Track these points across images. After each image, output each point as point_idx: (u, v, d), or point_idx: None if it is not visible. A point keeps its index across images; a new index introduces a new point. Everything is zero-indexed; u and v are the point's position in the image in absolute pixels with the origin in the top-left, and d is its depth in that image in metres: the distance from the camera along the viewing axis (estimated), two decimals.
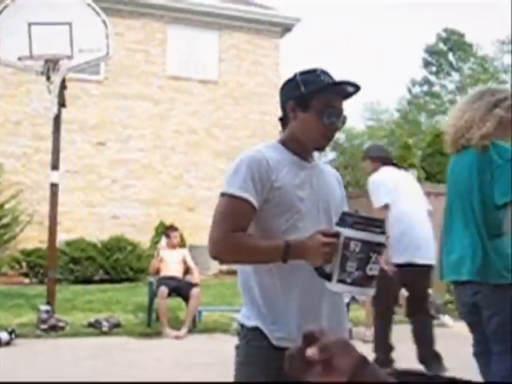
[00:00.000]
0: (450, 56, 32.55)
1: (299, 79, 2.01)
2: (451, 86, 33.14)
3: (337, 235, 1.70)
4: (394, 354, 5.26)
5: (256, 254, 1.88)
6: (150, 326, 7.07)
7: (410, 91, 33.82)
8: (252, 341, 1.95)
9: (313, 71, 2.02)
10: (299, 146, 2.04)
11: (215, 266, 12.28)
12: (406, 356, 5.10)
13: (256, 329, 1.94)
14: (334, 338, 0.72)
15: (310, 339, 0.73)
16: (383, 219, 1.78)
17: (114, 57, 8.49)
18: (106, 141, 13.58)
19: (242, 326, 2.01)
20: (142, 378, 4.99)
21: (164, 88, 14.14)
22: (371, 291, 1.75)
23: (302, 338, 0.75)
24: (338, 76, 2.04)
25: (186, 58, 14.51)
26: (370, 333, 7.01)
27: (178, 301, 7.40)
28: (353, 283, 1.67)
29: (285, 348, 1.93)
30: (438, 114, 32.51)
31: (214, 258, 1.94)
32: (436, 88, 33.41)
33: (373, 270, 1.69)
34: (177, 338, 6.69)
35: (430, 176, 12.37)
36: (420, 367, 4.72)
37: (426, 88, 33.50)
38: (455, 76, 33.08)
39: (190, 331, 6.96)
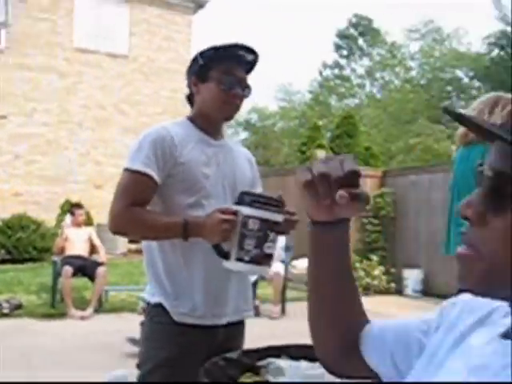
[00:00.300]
0: (361, 41, 33.39)
1: (198, 54, 2.02)
2: (361, 70, 34.07)
3: (236, 213, 1.71)
4: None
5: (155, 230, 1.88)
6: (54, 307, 6.86)
7: (321, 74, 34.46)
8: (155, 317, 1.96)
9: (213, 47, 2.01)
10: (206, 122, 2.04)
11: (124, 245, 12.07)
12: None
13: (159, 305, 1.95)
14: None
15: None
16: (281, 198, 1.78)
17: (17, 25, 8.02)
18: (8, 114, 12.88)
19: (146, 302, 2.02)
20: (46, 360, 4.83)
21: (71, 60, 13.57)
22: (268, 270, 1.78)
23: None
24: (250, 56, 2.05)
25: (95, 30, 13.98)
26: (277, 309, 7.17)
27: (83, 280, 7.22)
28: (251, 261, 1.68)
29: (187, 324, 1.95)
30: (348, 97, 33.38)
31: (114, 232, 1.93)
32: (346, 71, 34.21)
33: (270, 248, 1.70)
34: (82, 318, 6.54)
35: None
36: None
37: (336, 71, 34.23)
38: (365, 60, 34.01)
39: (96, 311, 6.82)
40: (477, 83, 29.30)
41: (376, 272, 9.48)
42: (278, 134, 26.68)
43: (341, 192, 0.78)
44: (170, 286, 1.95)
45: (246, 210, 1.70)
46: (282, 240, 7.53)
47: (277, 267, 7.25)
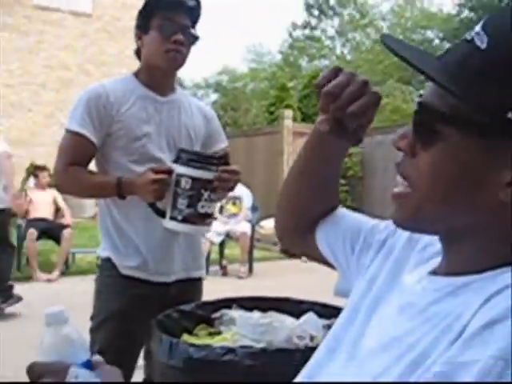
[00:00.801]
0: (332, 1, 33.06)
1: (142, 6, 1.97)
2: (331, 31, 33.84)
3: (170, 172, 1.70)
4: None
5: (91, 189, 1.92)
6: (20, 270, 6.79)
7: (290, 35, 34.13)
8: (106, 271, 2.00)
9: None
10: (151, 75, 1.98)
11: (91, 209, 11.95)
12: None
13: (108, 259, 1.99)
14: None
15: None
16: (222, 156, 1.78)
17: None
18: None
19: (99, 257, 2.06)
20: (11, 325, 4.80)
21: (31, 18, 13.16)
22: (206, 229, 1.76)
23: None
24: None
25: None
26: (244, 269, 7.23)
27: (50, 244, 7.15)
28: (184, 220, 1.68)
29: (134, 278, 1.95)
30: (319, 58, 33.19)
31: (59, 190, 2.05)
32: (317, 32, 33.94)
33: (205, 207, 1.68)
34: (48, 281, 6.51)
35: (306, 117, 12.67)
36: None
37: (307, 32, 33.93)
38: (335, 21, 33.75)
39: (63, 274, 6.79)
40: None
41: None
42: (248, 95, 26.51)
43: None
44: (118, 241, 1.97)
45: (179, 169, 1.68)
46: (248, 200, 7.55)
47: (244, 227, 7.28)
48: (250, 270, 7.43)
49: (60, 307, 0.73)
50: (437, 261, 0.77)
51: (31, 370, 0.69)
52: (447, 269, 0.72)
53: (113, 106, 1.90)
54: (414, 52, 0.72)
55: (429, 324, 0.66)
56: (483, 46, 0.63)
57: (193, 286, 2.09)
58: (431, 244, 0.82)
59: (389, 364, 0.66)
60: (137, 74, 2.01)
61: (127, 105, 1.92)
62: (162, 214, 1.74)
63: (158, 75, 1.98)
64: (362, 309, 0.82)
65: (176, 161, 1.72)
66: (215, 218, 1.74)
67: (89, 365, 0.70)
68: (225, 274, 7.37)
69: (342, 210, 1.03)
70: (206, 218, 1.70)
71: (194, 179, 1.66)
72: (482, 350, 0.55)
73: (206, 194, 1.67)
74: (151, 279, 1.97)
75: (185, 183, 1.66)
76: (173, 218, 1.68)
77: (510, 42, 0.62)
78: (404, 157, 0.72)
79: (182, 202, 1.66)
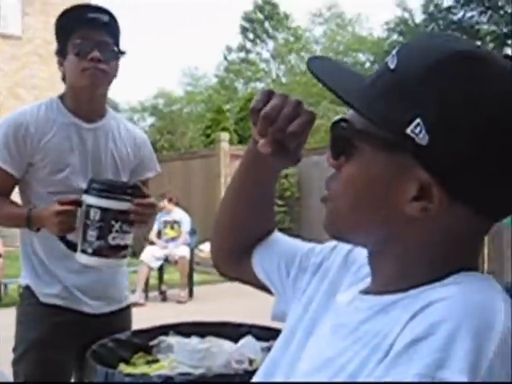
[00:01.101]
0: (266, 24, 33.63)
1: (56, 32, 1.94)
2: (266, 54, 34.38)
3: (78, 203, 1.64)
4: None
5: (6, 219, 1.88)
6: None
7: (225, 58, 34.45)
8: (25, 299, 1.94)
9: (59, 17, 1.93)
10: (76, 101, 1.91)
11: None
12: None
13: (28, 287, 1.93)
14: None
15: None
16: (135, 186, 1.70)
17: None
18: None
19: (20, 286, 2.00)
20: None
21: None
22: (119, 263, 1.69)
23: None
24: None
25: None
26: (184, 294, 7.15)
27: None
28: (94, 253, 1.60)
29: (55, 305, 1.89)
30: (254, 80, 33.60)
31: None
32: (252, 55, 34.41)
33: (117, 239, 1.60)
34: None
35: (242, 139, 12.77)
36: None
37: (242, 55, 34.35)
38: (270, 45, 34.33)
39: None
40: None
41: None
42: (184, 118, 26.47)
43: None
44: (38, 268, 1.92)
45: (88, 199, 1.61)
46: (187, 224, 7.49)
47: (182, 251, 7.22)
48: (190, 294, 7.35)
49: None
50: (369, 280, 0.78)
51: None
52: (377, 287, 0.73)
53: (33, 137, 1.83)
54: (338, 73, 0.75)
55: (360, 343, 0.66)
56: (392, 66, 0.68)
57: (119, 316, 2.03)
58: (366, 264, 0.83)
59: None
60: (62, 98, 1.93)
61: (49, 134, 1.85)
62: (73, 248, 1.66)
63: (82, 99, 1.90)
64: (298, 332, 0.83)
65: (86, 191, 1.63)
66: (126, 251, 1.67)
67: None
68: (164, 299, 7.25)
69: (277, 234, 1.03)
70: (118, 251, 1.62)
71: (102, 209, 1.58)
72: (407, 369, 0.55)
73: (117, 226, 1.58)
74: (72, 307, 1.91)
75: (94, 214, 1.58)
76: (83, 251, 1.61)
77: (413, 62, 0.67)
78: (333, 172, 0.76)
79: (91, 234, 1.58)
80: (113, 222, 1.58)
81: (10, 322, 6.10)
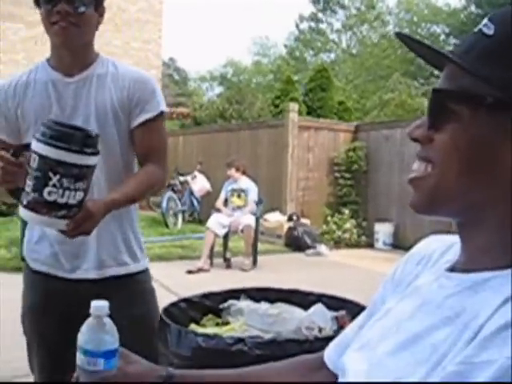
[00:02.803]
0: None
1: None
2: (337, 25, 33.70)
3: (16, 151, 1.49)
4: None
5: None
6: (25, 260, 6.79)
7: (297, 27, 33.99)
8: (25, 267, 1.92)
9: None
10: (56, 57, 1.81)
11: None
12: None
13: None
14: None
15: None
16: (97, 135, 1.46)
17: None
18: None
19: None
20: (12, 314, 4.80)
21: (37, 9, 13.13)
22: (56, 222, 1.41)
23: None
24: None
25: None
26: (248, 262, 7.24)
27: None
28: (27, 206, 1.38)
29: (40, 272, 1.84)
30: (324, 51, 33.08)
31: None
32: (323, 25, 33.81)
33: (54, 195, 1.36)
34: None
35: (311, 110, 12.64)
36: None
37: (313, 24, 33.80)
38: (341, 14, 33.60)
39: None
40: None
41: (347, 225, 9.59)
42: (253, 88, 26.46)
43: None
44: (29, 234, 1.89)
45: (32, 144, 1.38)
46: (254, 193, 7.54)
47: (248, 219, 7.28)
48: (254, 262, 7.43)
49: (104, 302, 0.86)
50: (447, 259, 0.77)
51: None
52: (466, 265, 0.71)
53: (14, 98, 1.80)
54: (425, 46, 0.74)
55: (447, 320, 0.65)
56: (490, 32, 0.68)
57: (116, 283, 1.83)
58: (434, 251, 0.82)
59: (412, 364, 0.65)
60: (48, 58, 1.85)
61: (29, 96, 1.80)
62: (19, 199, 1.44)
63: (61, 54, 1.79)
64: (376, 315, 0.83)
65: (36, 135, 1.40)
66: (74, 211, 1.41)
67: (117, 352, 0.86)
68: (228, 266, 7.37)
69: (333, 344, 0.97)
70: (55, 209, 1.38)
71: (40, 156, 1.34)
72: (498, 351, 0.55)
73: (55, 179, 1.34)
74: (58, 274, 1.83)
75: (33, 161, 1.36)
76: (21, 203, 1.40)
77: None
78: (421, 146, 0.74)
79: (28, 184, 1.37)
80: (50, 174, 1.35)
81: None
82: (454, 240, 0.78)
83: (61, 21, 1.68)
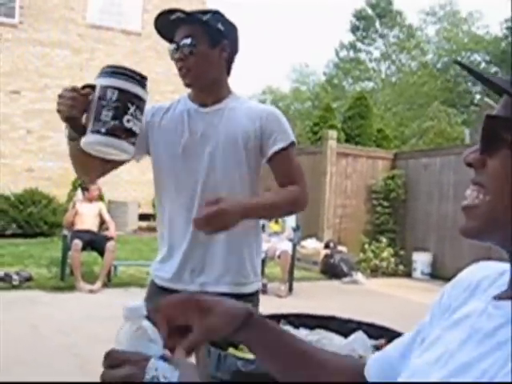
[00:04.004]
0: (377, 22, 32.99)
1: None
2: (376, 53, 33.74)
3: (92, 87, 1.61)
4: None
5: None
6: (64, 280, 6.92)
7: (337, 54, 34.15)
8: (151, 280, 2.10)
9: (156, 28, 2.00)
10: (192, 90, 2.03)
11: (134, 223, 12.14)
12: None
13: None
14: None
15: None
16: (145, 76, 1.67)
17: None
18: (21, 89, 12.92)
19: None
20: (52, 331, 4.89)
21: (84, 36, 13.55)
22: (128, 148, 1.62)
23: None
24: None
25: (108, 6, 13.93)
26: (284, 288, 7.20)
27: (93, 255, 7.27)
28: (107, 133, 1.57)
29: (163, 288, 1.96)
30: (363, 79, 33.09)
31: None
32: (362, 54, 33.90)
33: (131, 123, 1.59)
34: (90, 291, 6.60)
35: (349, 138, 12.62)
36: None
37: (352, 53, 33.92)
38: (380, 43, 33.65)
39: (105, 285, 6.88)
40: (494, 68, 28.93)
41: (385, 254, 9.47)
42: (291, 115, 26.62)
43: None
44: (160, 251, 2.05)
45: (102, 81, 1.59)
46: (291, 219, 7.53)
47: (285, 245, 7.26)
48: (290, 289, 7.38)
49: (139, 303, 0.75)
50: (497, 284, 0.77)
51: (109, 356, 0.70)
52: None
53: (152, 119, 2.00)
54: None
55: (497, 345, 0.65)
56: None
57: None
58: (484, 279, 0.82)
59: None
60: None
61: (167, 118, 2.00)
62: (80, 133, 1.62)
63: (194, 91, 2.02)
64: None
65: (98, 76, 1.61)
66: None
67: (164, 359, 0.72)
68: (264, 291, 7.34)
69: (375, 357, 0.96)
70: (130, 135, 1.60)
71: (120, 91, 1.56)
72: None
73: (132, 109, 1.58)
74: (177, 288, 1.97)
75: (111, 94, 1.56)
76: (96, 131, 1.57)
77: None
78: (475, 171, 0.74)
79: (106, 114, 1.56)
80: (129, 105, 1.57)
81: (119, 301, 6.42)
82: (505, 267, 0.78)
83: (179, 68, 1.92)
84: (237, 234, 1.88)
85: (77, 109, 1.59)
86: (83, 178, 2.03)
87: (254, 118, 1.95)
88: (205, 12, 1.93)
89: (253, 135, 1.94)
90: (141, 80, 1.60)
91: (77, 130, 1.63)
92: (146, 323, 0.75)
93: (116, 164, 1.89)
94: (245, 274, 2.01)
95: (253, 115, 1.96)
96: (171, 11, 1.88)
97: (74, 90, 1.59)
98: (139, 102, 1.59)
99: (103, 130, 1.56)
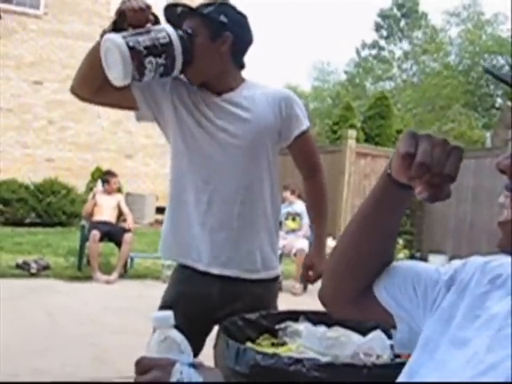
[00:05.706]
0: (402, 22, 32.72)
1: None
2: (399, 53, 33.47)
3: (153, 18, 1.76)
4: None
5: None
6: (81, 270, 6.99)
7: (358, 53, 33.94)
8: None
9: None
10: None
11: (151, 215, 12.21)
12: None
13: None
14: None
15: None
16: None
17: None
18: (44, 80, 13.05)
19: None
20: (68, 320, 4.94)
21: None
22: (127, 74, 1.68)
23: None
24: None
25: None
26: (299, 286, 7.19)
27: (110, 246, 7.33)
28: (129, 47, 1.65)
29: (188, 267, 1.98)
30: (384, 79, 32.87)
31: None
32: (385, 53, 33.65)
33: (149, 66, 1.69)
34: (107, 282, 6.66)
35: (369, 138, 12.57)
36: None
37: (374, 52, 33.69)
38: (404, 43, 33.38)
39: (121, 276, 6.93)
40: None
41: (400, 255, 9.42)
42: (311, 113, 26.57)
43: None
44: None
45: (169, 26, 1.76)
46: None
47: (301, 243, 7.24)
48: (305, 287, 7.37)
49: (168, 312, 0.77)
50: None
51: (139, 363, 0.74)
52: None
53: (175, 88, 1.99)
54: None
55: None
56: None
57: (239, 285, 1.97)
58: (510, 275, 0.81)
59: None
60: None
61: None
62: (118, 30, 1.73)
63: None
64: (442, 345, 0.81)
65: (169, 20, 1.84)
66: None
67: (192, 366, 0.74)
68: (279, 289, 7.32)
69: (393, 262, 1.00)
70: (138, 72, 1.70)
71: (171, 45, 1.71)
72: None
73: (160, 61, 1.71)
74: (197, 267, 1.97)
75: (162, 38, 1.71)
76: (123, 37, 1.67)
77: None
78: (509, 178, 0.74)
79: (143, 40, 1.68)
80: (163, 57, 1.71)
81: (133, 293, 6.49)
82: None
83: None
84: (245, 226, 1.92)
85: (136, 17, 1.69)
86: (78, 84, 1.98)
87: (273, 105, 1.93)
88: (209, 4, 1.89)
89: (272, 121, 1.93)
90: (187, 64, 1.76)
91: (115, 27, 1.73)
92: (175, 332, 0.77)
93: (110, 92, 1.88)
94: (252, 261, 1.98)
95: (270, 102, 1.93)
96: (175, 5, 1.87)
97: (148, 6, 1.71)
98: (169, 67, 1.72)
99: (130, 43, 1.65)
